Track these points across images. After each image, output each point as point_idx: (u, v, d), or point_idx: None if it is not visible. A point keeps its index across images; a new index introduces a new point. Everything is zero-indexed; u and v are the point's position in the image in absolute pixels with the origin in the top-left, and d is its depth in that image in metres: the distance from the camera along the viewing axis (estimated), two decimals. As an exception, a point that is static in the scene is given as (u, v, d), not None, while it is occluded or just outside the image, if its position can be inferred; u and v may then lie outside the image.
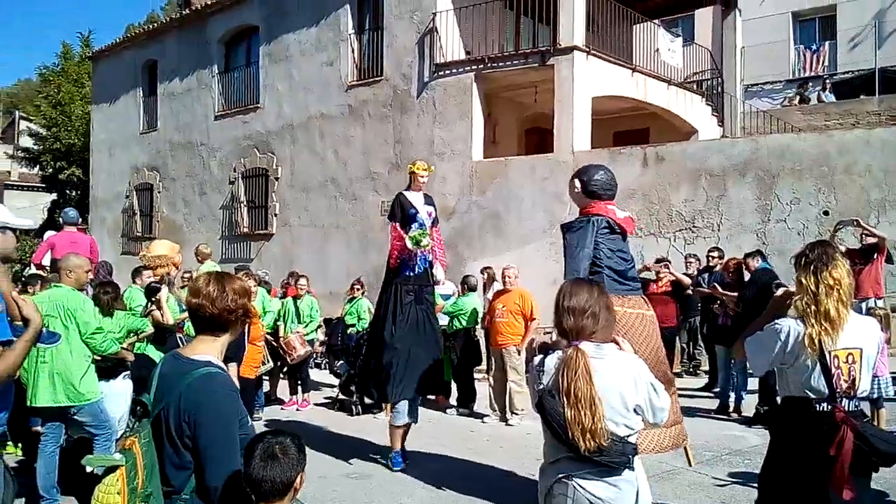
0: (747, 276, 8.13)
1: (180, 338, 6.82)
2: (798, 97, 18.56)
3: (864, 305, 7.81)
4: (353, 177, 14.99)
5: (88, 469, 2.52)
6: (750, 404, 7.95)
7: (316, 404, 9.43)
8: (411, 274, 6.25)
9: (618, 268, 4.34)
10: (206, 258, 9.93)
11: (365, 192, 14.78)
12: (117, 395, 5.59)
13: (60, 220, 9.55)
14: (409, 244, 6.08)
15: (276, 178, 16.52)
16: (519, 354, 8.12)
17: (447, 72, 13.58)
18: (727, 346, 7.99)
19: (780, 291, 3.29)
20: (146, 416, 2.41)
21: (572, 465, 2.64)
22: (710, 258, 9.60)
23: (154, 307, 6.60)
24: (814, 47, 20.68)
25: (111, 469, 2.32)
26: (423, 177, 6.35)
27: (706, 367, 10.35)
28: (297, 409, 9.16)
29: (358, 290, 10.57)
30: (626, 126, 15.66)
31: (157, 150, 19.89)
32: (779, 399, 3.17)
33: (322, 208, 15.59)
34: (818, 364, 2.90)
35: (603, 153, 12.42)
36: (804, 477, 2.92)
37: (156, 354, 6.27)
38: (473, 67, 13.29)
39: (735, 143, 12.03)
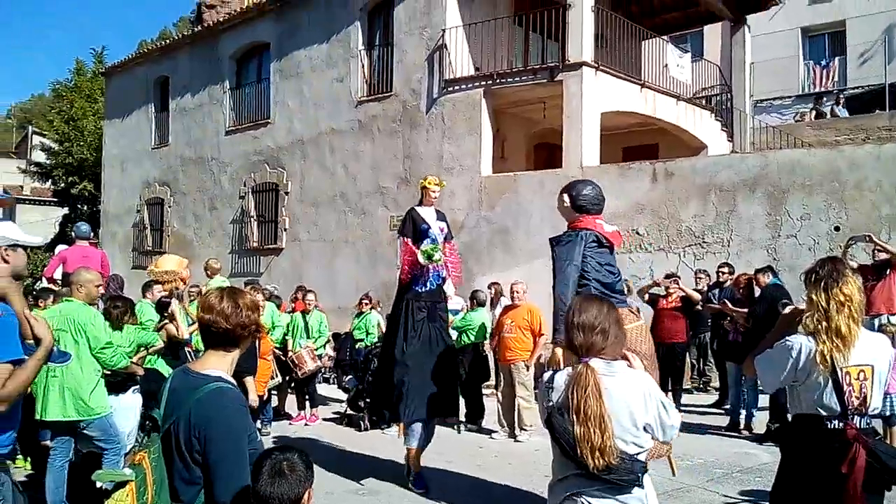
0: (758, 292, 8.10)
1: (189, 352, 6.84)
2: (814, 112, 18.56)
3: (876, 322, 7.75)
4: (363, 191, 15.05)
5: (98, 484, 2.53)
6: (761, 421, 7.90)
7: (324, 419, 9.42)
8: (423, 290, 6.09)
9: (605, 280, 4.45)
10: (215, 273, 9.99)
11: (374, 206, 14.82)
12: (127, 410, 5.60)
13: (72, 234, 9.62)
14: (420, 259, 5.94)
15: (286, 193, 16.60)
16: (527, 370, 8.10)
17: (456, 87, 13.65)
18: (738, 362, 7.94)
19: (788, 309, 3.28)
20: (156, 431, 2.42)
21: (581, 482, 2.62)
22: (720, 274, 9.57)
23: (167, 321, 6.63)
24: (823, 62, 20.69)
25: (121, 484, 2.33)
26: (434, 192, 6.23)
27: (716, 384, 10.29)
28: (306, 425, 9.15)
29: (366, 304, 10.59)
30: (635, 141, 15.67)
31: (169, 165, 20.04)
32: (789, 416, 3.15)
33: (331, 223, 15.65)
34: (830, 381, 2.88)
35: (612, 168, 12.43)
36: (816, 495, 2.89)
37: (165, 369, 6.29)
38: (482, 83, 13.35)
39: (745, 158, 12.01)
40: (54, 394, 4.97)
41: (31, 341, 2.81)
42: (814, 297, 2.96)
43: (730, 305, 8.41)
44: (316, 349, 9.43)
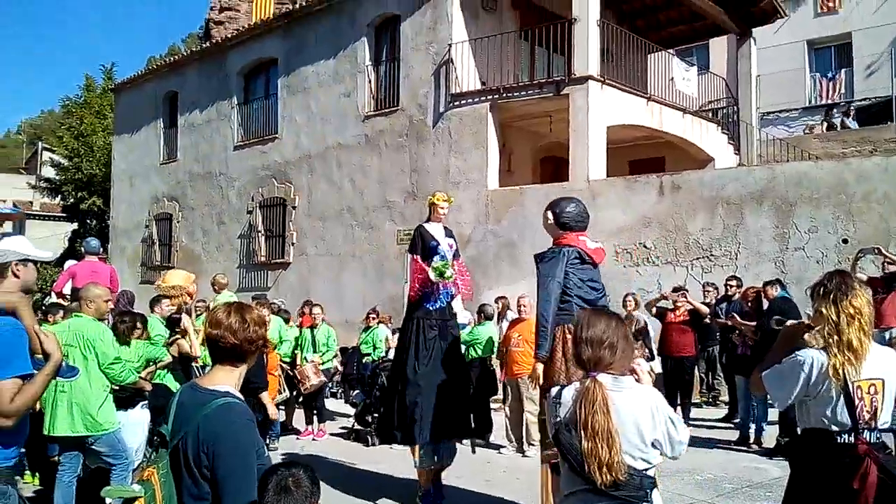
0: (766, 305, 8.06)
1: (197, 367, 6.85)
2: (825, 124, 18.55)
3: (886, 335, 7.69)
4: (370, 206, 15.09)
5: (107, 500, 2.53)
6: (771, 435, 7.84)
7: (332, 434, 9.40)
8: (433, 308, 5.94)
9: (587, 297, 4.53)
10: (222, 288, 9.99)
11: (381, 221, 14.86)
12: (135, 425, 5.61)
13: (82, 249, 9.66)
14: (432, 276, 5.80)
15: (294, 208, 16.66)
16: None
17: (463, 102, 13.71)
18: (747, 375, 7.88)
19: (788, 323, 3.26)
20: (164, 447, 2.42)
21: (589, 498, 2.61)
22: (728, 287, 9.53)
23: (179, 336, 6.64)
24: (830, 75, 20.69)
25: (130, 500, 2.33)
26: (443, 208, 6.13)
27: (726, 398, 10.22)
28: (313, 440, 9.13)
29: (374, 319, 10.59)
30: (641, 154, 15.68)
31: (177, 180, 20.16)
32: (798, 430, 3.13)
33: (338, 237, 15.68)
34: (842, 395, 2.86)
35: (618, 182, 12.44)
36: (826, 511, 2.87)
37: (173, 384, 6.29)
38: (489, 97, 13.41)
39: (751, 171, 11.99)
40: (62, 409, 4.98)
41: (40, 356, 2.82)
42: (823, 310, 2.94)
43: (738, 319, 8.37)
44: (322, 364, 9.41)
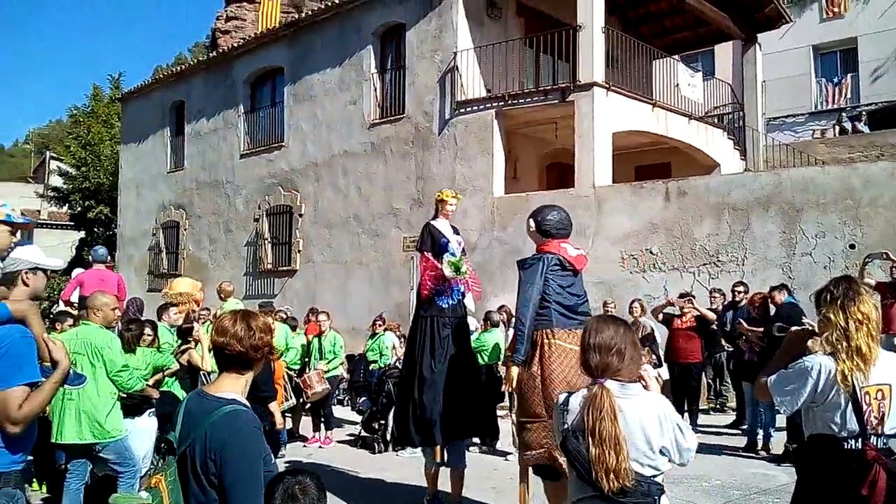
0: (773, 311, 8.03)
1: (204, 375, 6.86)
2: (837, 128, 18.52)
3: (894, 340, 7.66)
4: (376, 213, 15.12)
5: (115, 508, 2.54)
6: (779, 441, 7.80)
7: (338, 441, 9.39)
8: (446, 305, 5.77)
9: (566, 303, 4.62)
10: (228, 295, 10.02)
11: (387, 228, 14.88)
12: (142, 433, 5.62)
13: (90, 257, 9.71)
14: (447, 272, 5.63)
15: (300, 215, 16.71)
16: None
17: (468, 109, 13.74)
18: (754, 382, 7.85)
19: (794, 329, 3.26)
20: (172, 454, 2.43)
21: (596, 504, 2.60)
22: (735, 293, 9.50)
23: (191, 346, 6.66)
24: (835, 80, 20.66)
25: (137, 508, 2.34)
26: (451, 205, 6.03)
27: (733, 404, 10.18)
28: (320, 447, 9.12)
29: (380, 326, 10.59)
30: (647, 160, 15.68)
31: (184, 188, 20.24)
32: (805, 436, 3.11)
33: (345, 244, 15.71)
34: (850, 401, 2.85)
35: (624, 188, 12.43)
36: (835, 518, 2.85)
37: (180, 392, 6.31)
38: (494, 104, 13.43)
39: (758, 176, 11.97)
40: (70, 416, 5.00)
41: (48, 364, 2.84)
42: (831, 316, 2.94)
43: (745, 325, 8.35)
44: (328, 371, 9.41)
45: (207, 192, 19.42)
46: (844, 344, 2.88)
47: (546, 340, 4.54)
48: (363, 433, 9.15)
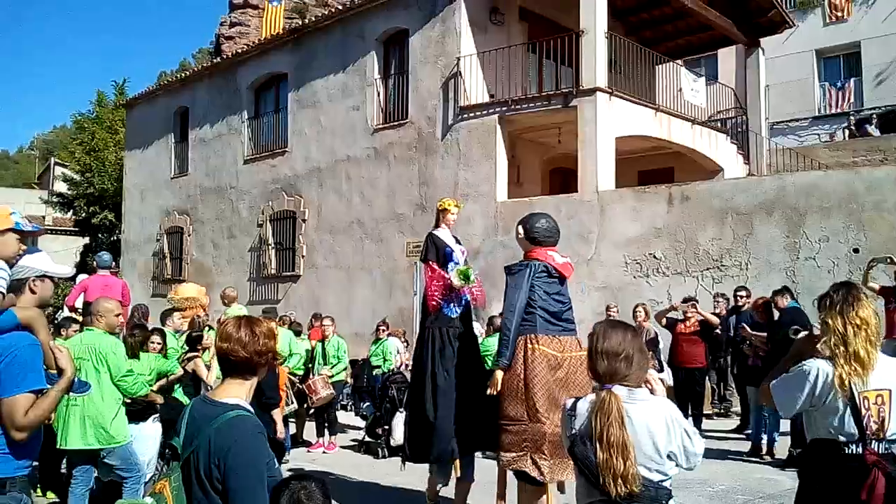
0: (777, 316, 8.02)
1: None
2: (847, 131, 18.52)
3: (898, 345, 7.64)
4: (379, 218, 15.14)
5: (120, 513, 2.55)
6: (783, 446, 7.78)
7: (342, 447, 9.39)
8: (455, 315, 5.63)
9: (551, 309, 4.73)
10: (232, 301, 10.02)
11: (390, 233, 14.89)
12: (147, 438, 5.64)
13: (94, 263, 9.73)
14: (455, 281, 5.50)
15: (304, 221, 16.73)
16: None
17: (471, 114, 13.76)
18: (758, 386, 7.84)
19: (802, 335, 3.26)
20: (176, 460, 2.44)
21: (604, 509, 2.60)
22: (738, 298, 9.49)
23: (198, 354, 6.67)
24: (839, 84, 20.65)
25: (142, 513, 2.35)
26: (453, 213, 5.94)
27: (737, 409, 10.16)
28: (324, 452, 9.13)
29: (384, 331, 10.60)
30: (650, 165, 15.68)
31: (188, 194, 20.29)
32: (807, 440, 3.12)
33: (348, 250, 15.73)
34: (848, 406, 2.85)
35: (627, 193, 12.43)
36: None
37: (184, 398, 6.32)
38: (497, 110, 13.45)
39: (761, 181, 11.97)
40: (75, 423, 5.02)
41: (54, 371, 2.86)
42: (830, 321, 2.95)
43: (749, 330, 8.33)
44: (332, 376, 9.41)
45: (211, 198, 19.46)
46: (842, 349, 2.88)
47: (530, 346, 4.66)
48: (367, 438, 9.15)
